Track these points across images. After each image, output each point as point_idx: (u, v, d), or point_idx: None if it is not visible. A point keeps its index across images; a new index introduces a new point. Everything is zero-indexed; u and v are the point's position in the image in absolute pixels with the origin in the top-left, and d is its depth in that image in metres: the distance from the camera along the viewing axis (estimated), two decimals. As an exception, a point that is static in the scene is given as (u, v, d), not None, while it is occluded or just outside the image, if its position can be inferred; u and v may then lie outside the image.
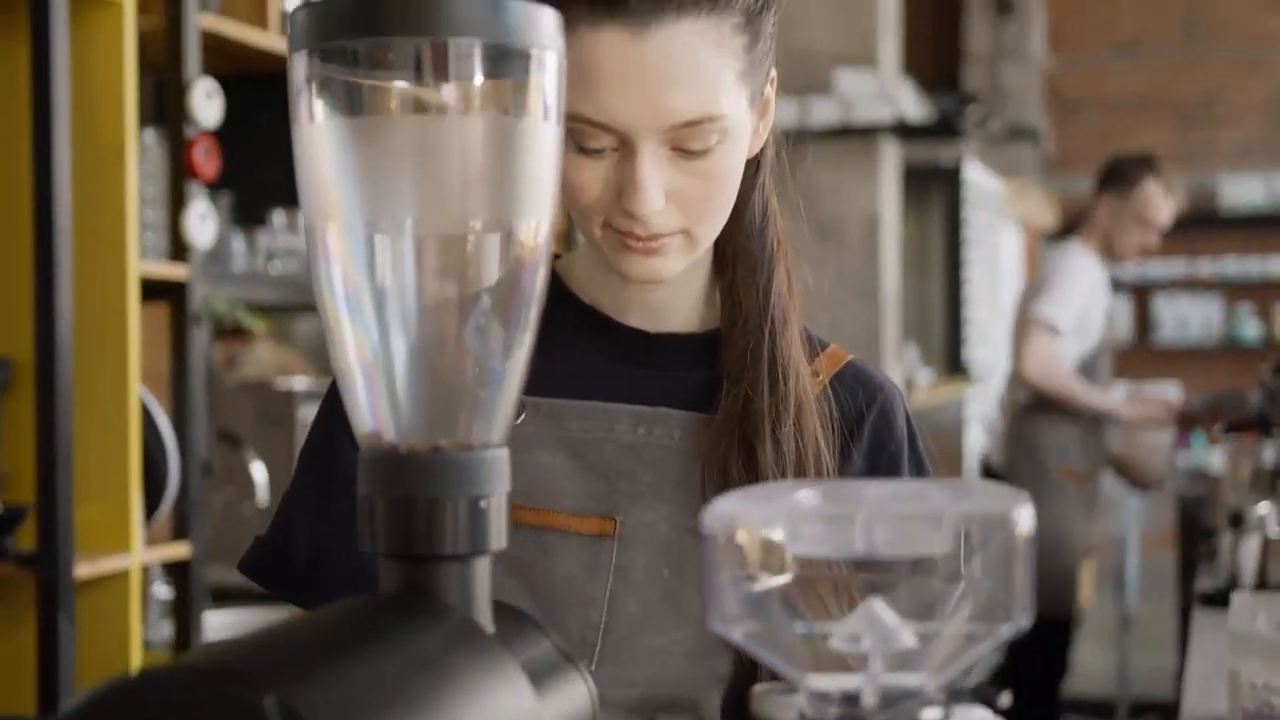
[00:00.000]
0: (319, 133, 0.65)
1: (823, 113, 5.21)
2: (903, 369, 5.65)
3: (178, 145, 2.70)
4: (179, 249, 2.70)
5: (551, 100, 0.66)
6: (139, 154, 2.61)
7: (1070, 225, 5.59)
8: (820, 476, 1.13)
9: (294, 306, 3.49)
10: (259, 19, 2.95)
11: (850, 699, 0.60)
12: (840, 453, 1.17)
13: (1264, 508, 2.63)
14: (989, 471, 5.42)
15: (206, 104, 2.70)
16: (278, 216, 3.16)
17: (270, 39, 2.93)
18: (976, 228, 7.04)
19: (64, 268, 2.37)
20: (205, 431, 2.78)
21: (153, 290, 2.64)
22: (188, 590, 2.72)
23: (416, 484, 0.64)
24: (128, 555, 2.52)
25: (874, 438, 1.19)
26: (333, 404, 1.18)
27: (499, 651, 0.63)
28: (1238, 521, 2.87)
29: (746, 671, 1.11)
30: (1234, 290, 9.14)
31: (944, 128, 5.87)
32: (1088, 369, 4.22)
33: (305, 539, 1.17)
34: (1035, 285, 4.33)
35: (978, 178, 7.02)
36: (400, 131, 0.66)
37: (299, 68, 0.64)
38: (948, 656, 0.60)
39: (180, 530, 2.71)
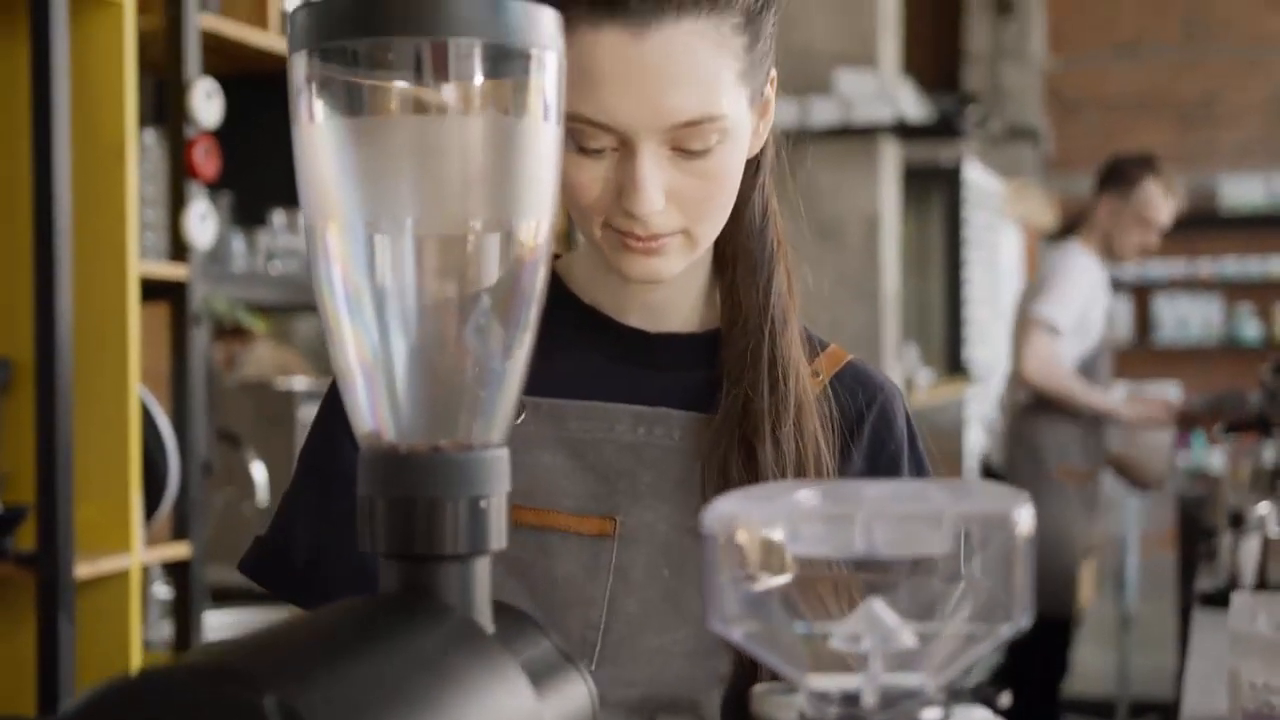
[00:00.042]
0: (319, 133, 0.65)
1: (823, 113, 5.21)
2: (903, 369, 5.65)
3: (178, 145, 2.70)
4: (179, 249, 2.70)
5: (551, 100, 0.66)
6: (139, 154, 2.61)
7: (1070, 225, 5.60)
8: (820, 476, 1.13)
9: (294, 306, 3.49)
10: (259, 19, 2.95)
11: (850, 699, 0.60)
12: (840, 453, 1.17)
13: (1264, 508, 2.63)
14: (989, 471, 5.43)
15: (206, 104, 2.70)
16: (278, 216, 3.16)
17: (270, 39, 2.93)
18: (976, 228, 7.04)
19: (64, 268, 2.37)
20: (205, 431, 2.78)
21: (153, 290, 2.64)
22: (188, 590, 2.72)
23: (416, 484, 0.64)
24: (128, 555, 2.52)
25: (874, 438, 1.19)
26: (333, 404, 1.18)
27: (499, 651, 0.63)
28: (1238, 521, 2.87)
29: (746, 671, 1.11)
30: (1234, 290, 9.15)
31: (944, 128, 5.87)
32: (1087, 369, 4.22)
33: (305, 539, 1.17)
34: (1035, 285, 4.34)
35: (978, 178, 7.03)
36: (400, 131, 0.66)
37: (299, 68, 0.64)
38: (948, 656, 0.60)
39: (180, 530, 2.71)
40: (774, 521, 0.60)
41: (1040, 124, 9.02)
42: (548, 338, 0.72)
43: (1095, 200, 4.34)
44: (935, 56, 8.72)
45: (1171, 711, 2.09)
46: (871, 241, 5.36)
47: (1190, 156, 9.14)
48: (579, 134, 1.04)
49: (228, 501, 3.03)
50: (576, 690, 0.68)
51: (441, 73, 0.63)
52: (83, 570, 2.41)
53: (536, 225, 0.66)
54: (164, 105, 2.79)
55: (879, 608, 0.59)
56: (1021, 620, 0.59)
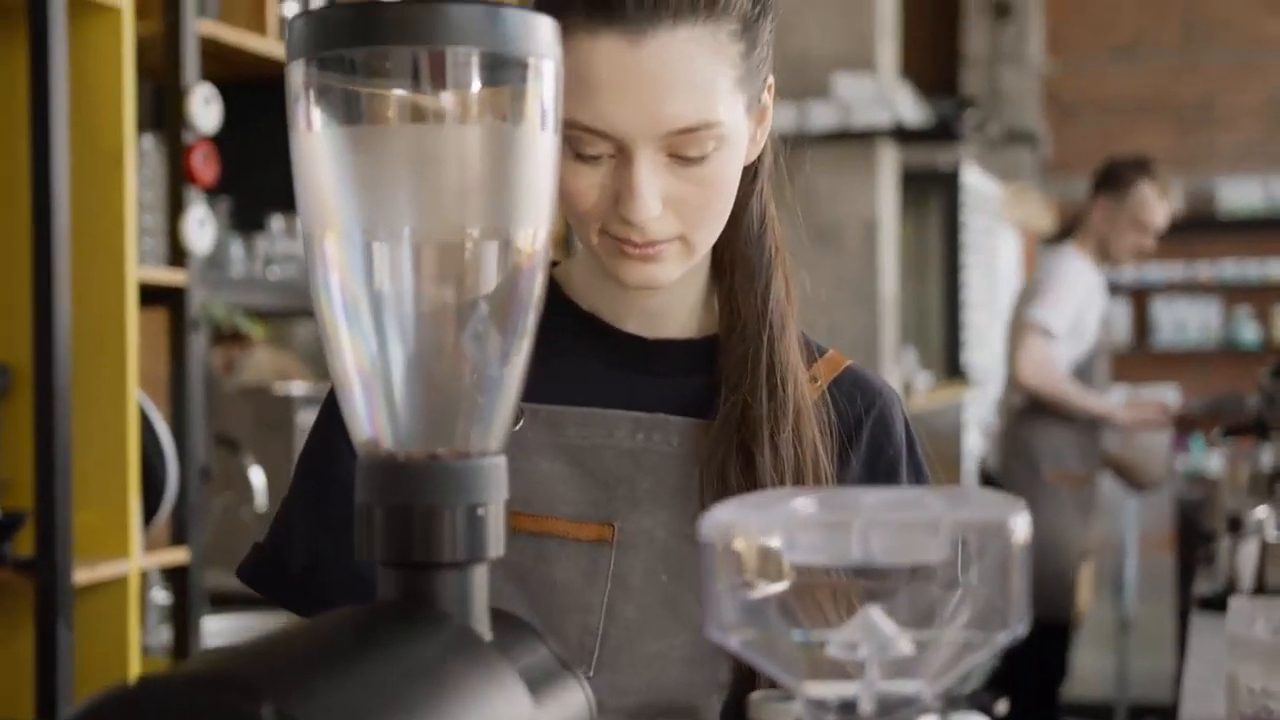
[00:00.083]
0: (317, 141, 0.65)
1: (821, 117, 5.21)
2: (901, 373, 5.66)
3: (176, 151, 2.70)
4: (177, 254, 2.70)
5: (549, 108, 0.66)
6: (137, 159, 2.61)
7: (1068, 229, 5.61)
8: (819, 482, 1.13)
9: (292, 311, 3.49)
10: (257, 24, 2.96)
11: (848, 706, 0.60)
12: (838, 458, 1.17)
13: (1262, 512, 2.63)
14: (986, 476, 5.43)
15: (205, 109, 2.70)
16: (276, 222, 3.16)
17: (268, 44, 2.93)
18: (975, 231, 7.04)
19: (62, 273, 2.37)
20: (204, 437, 2.78)
21: (151, 296, 2.64)
22: (186, 595, 2.72)
23: (414, 492, 0.64)
24: (126, 561, 2.52)
25: (872, 443, 1.19)
26: (331, 410, 1.18)
27: (496, 659, 0.63)
28: (1236, 525, 2.87)
29: (746, 678, 1.11)
30: (1232, 293, 9.15)
31: (942, 132, 5.87)
32: (1082, 372, 4.23)
33: (302, 546, 1.17)
34: (1029, 289, 4.34)
35: (976, 181, 7.03)
36: (398, 140, 0.66)
37: (297, 76, 0.64)
38: (945, 664, 0.60)
39: (179, 535, 2.71)
40: (771, 529, 0.60)
41: (1038, 127, 9.02)
42: (546, 344, 0.73)
43: (1090, 203, 4.34)
44: (933, 60, 8.72)
45: (1170, 715, 2.09)
46: (870, 245, 5.36)
47: (1189, 159, 9.14)
48: (576, 140, 1.04)
49: (226, 507, 3.03)
50: (574, 698, 0.68)
51: (439, 81, 0.63)
52: (81, 576, 2.41)
53: (534, 233, 0.66)
54: (162, 110, 2.79)
55: (876, 615, 0.60)
56: (1018, 628, 0.59)
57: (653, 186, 1.05)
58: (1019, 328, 4.21)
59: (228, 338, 3.37)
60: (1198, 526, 4.04)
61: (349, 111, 0.65)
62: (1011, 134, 8.70)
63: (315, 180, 0.66)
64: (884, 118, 5.29)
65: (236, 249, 3.03)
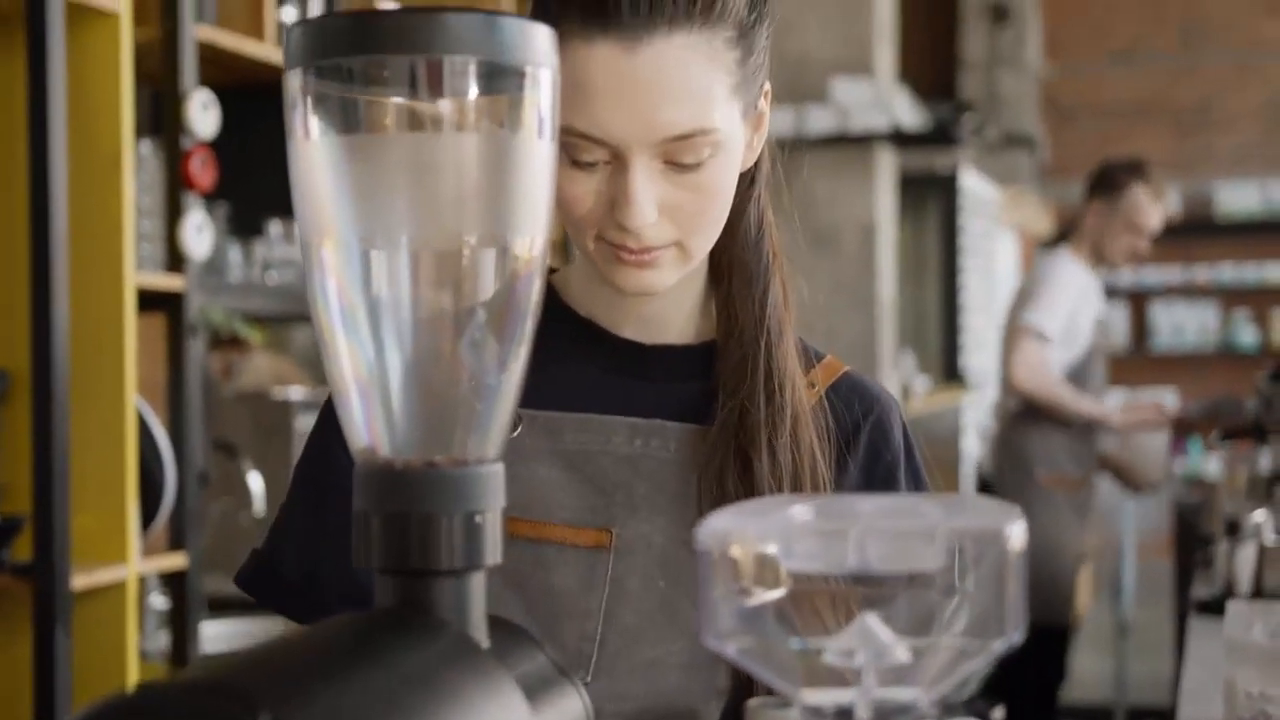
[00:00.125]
0: (314, 149, 0.65)
1: (819, 121, 5.22)
2: (899, 377, 5.66)
3: (174, 156, 2.70)
4: (175, 260, 2.70)
5: (546, 117, 0.66)
6: (135, 165, 2.61)
7: (1065, 232, 5.62)
8: (816, 488, 1.13)
9: (291, 316, 3.49)
10: (255, 30, 2.96)
11: (844, 713, 0.60)
12: (836, 464, 1.17)
13: (1260, 515, 2.63)
14: (984, 480, 5.43)
15: (203, 115, 2.70)
16: (274, 227, 3.16)
17: (266, 50, 2.93)
18: (973, 235, 7.05)
19: (60, 278, 2.37)
20: (202, 442, 2.78)
21: (149, 301, 2.64)
22: (184, 600, 2.72)
23: (412, 499, 0.64)
24: (124, 566, 2.52)
25: (870, 449, 1.19)
26: (329, 417, 1.18)
27: (494, 666, 0.63)
28: (1234, 529, 2.87)
29: (744, 684, 1.11)
30: (1230, 297, 9.16)
31: (940, 135, 5.88)
32: (1077, 376, 4.23)
33: (300, 553, 1.17)
34: (1023, 293, 4.34)
35: (974, 185, 7.03)
36: (395, 148, 0.66)
37: (295, 85, 0.64)
38: (941, 671, 0.60)
39: (177, 541, 2.71)
40: (768, 537, 0.60)
41: (1036, 131, 9.03)
42: (544, 351, 0.73)
43: (1085, 207, 4.35)
44: (931, 64, 8.73)
45: (1169, 719, 2.09)
46: (868, 249, 5.36)
47: (1186, 163, 9.15)
48: (572, 147, 1.04)
49: (224, 512, 3.03)
50: (571, 705, 0.68)
51: (436, 90, 0.63)
52: (79, 581, 2.41)
53: (531, 240, 0.67)
54: (160, 116, 2.79)
55: (873, 623, 0.60)
56: (1014, 635, 0.59)
57: (648, 193, 1.05)
58: (1013, 332, 4.22)
59: (226, 343, 3.37)
60: (1196, 530, 4.04)
61: (347, 120, 0.65)
62: (1009, 138, 8.71)
63: (313, 188, 0.66)
64: (882, 121, 5.29)
65: (234, 254, 3.03)
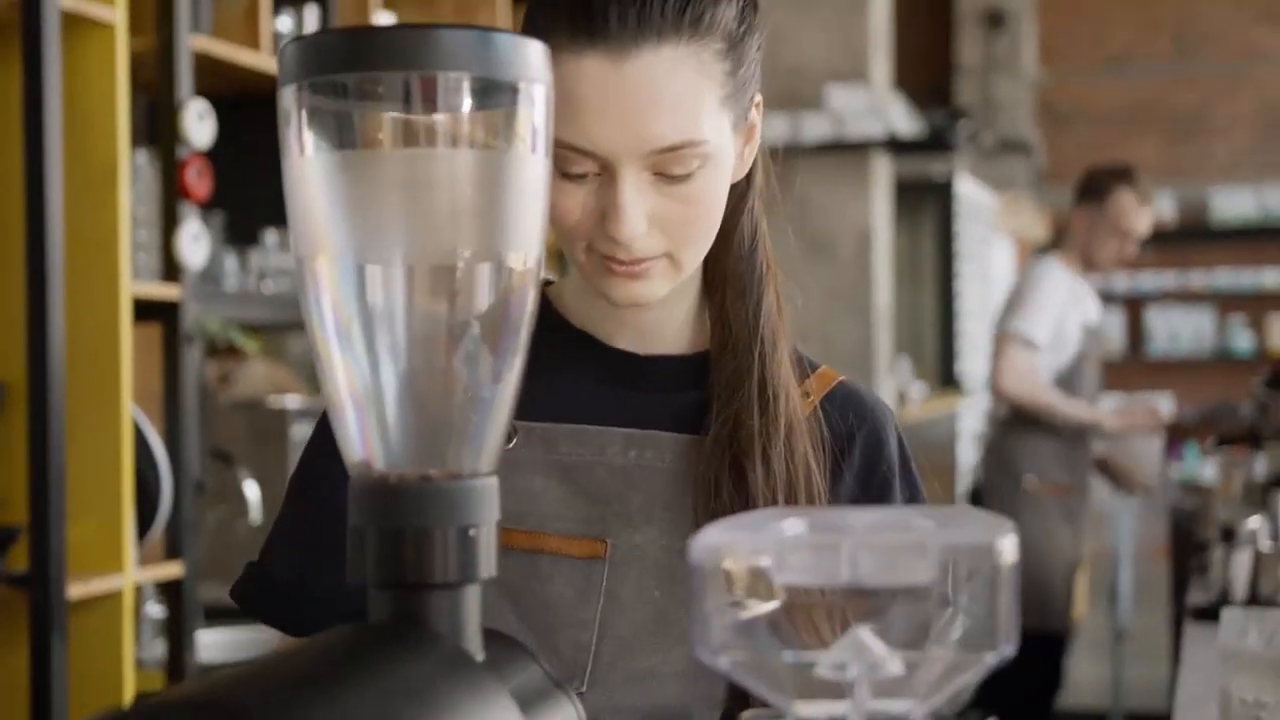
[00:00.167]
0: (309, 166, 0.65)
1: (814, 128, 5.23)
2: (895, 383, 5.66)
3: (170, 166, 2.70)
4: (171, 269, 2.70)
5: (540, 132, 0.66)
6: (131, 175, 2.62)
7: (1059, 238, 5.63)
8: (811, 499, 1.14)
9: (287, 325, 3.50)
10: (251, 40, 2.96)
11: (837, 726, 0.61)
12: (831, 474, 1.17)
13: (1255, 521, 2.64)
14: (976, 486, 5.44)
15: (198, 125, 2.70)
16: (270, 236, 3.16)
17: (262, 59, 2.94)
18: (968, 241, 7.06)
19: (56, 288, 2.37)
20: (198, 451, 2.78)
21: (145, 310, 2.65)
22: (180, 609, 2.72)
23: (406, 513, 0.64)
24: (120, 575, 2.52)
25: (865, 459, 1.20)
26: (324, 431, 1.18)
27: (488, 679, 0.63)
28: (1229, 535, 2.88)
29: (740, 694, 1.11)
30: (1226, 302, 9.18)
31: (935, 142, 5.89)
32: (1066, 381, 4.24)
33: (292, 567, 1.18)
34: (1011, 301, 4.35)
35: (969, 191, 7.05)
36: (390, 164, 0.66)
37: (289, 101, 0.65)
38: (934, 683, 0.61)
39: (173, 549, 2.71)
40: (761, 551, 0.60)
41: (1032, 137, 9.04)
42: (539, 362, 0.73)
43: (1073, 213, 4.36)
44: (927, 71, 8.75)
45: (1165, 725, 2.10)
46: (864, 256, 5.37)
47: (1181, 169, 9.17)
48: (561, 159, 1.05)
49: (220, 520, 3.03)
50: (566, 716, 0.68)
51: (431, 106, 0.64)
52: (75, 590, 2.41)
53: (525, 254, 0.67)
54: (156, 126, 2.79)
55: (866, 635, 0.60)
56: (1006, 648, 0.60)
57: (638, 205, 1.05)
58: (1000, 339, 4.23)
59: (222, 352, 3.37)
60: (1192, 536, 4.04)
61: (341, 136, 0.65)
62: (1005, 144, 8.73)
63: (308, 204, 0.66)
64: (877, 129, 5.30)
65: (230, 263, 3.03)
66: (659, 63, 1.03)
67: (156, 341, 2.73)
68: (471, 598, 0.65)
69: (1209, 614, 2.47)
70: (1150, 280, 9.11)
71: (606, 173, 1.05)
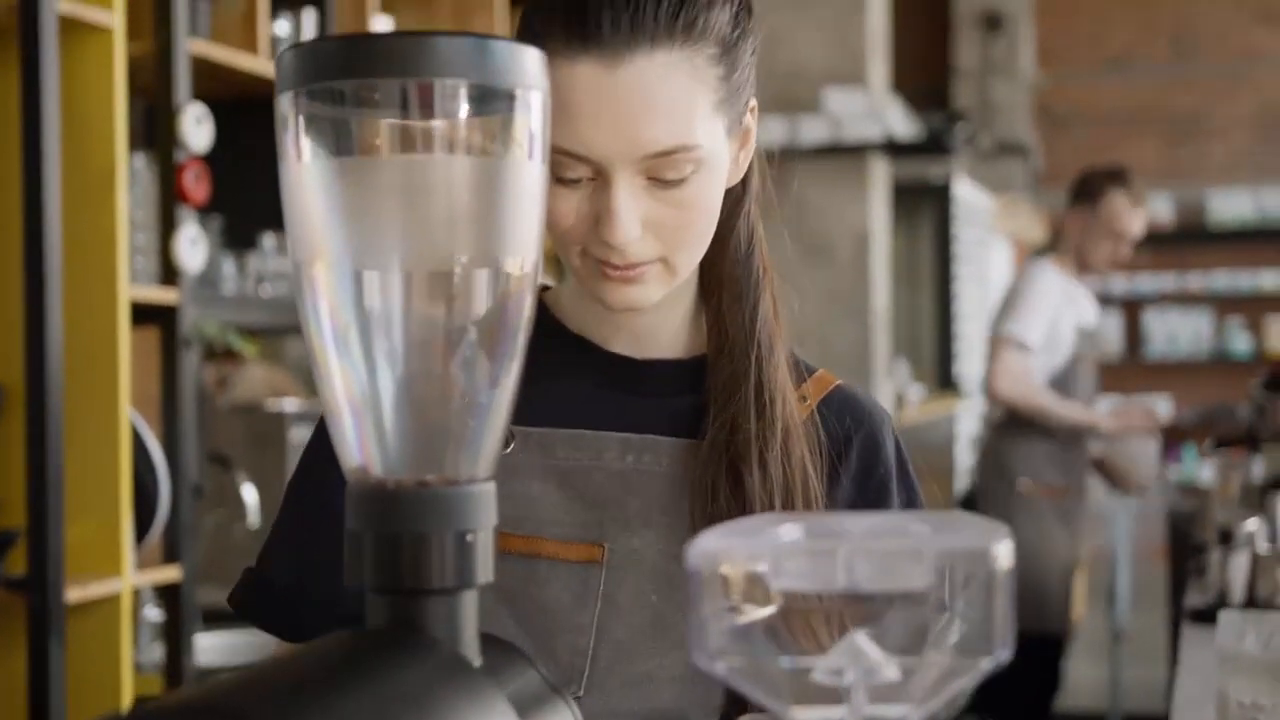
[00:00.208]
0: (306, 172, 0.66)
1: (812, 131, 5.23)
2: (893, 385, 5.66)
3: (168, 170, 2.71)
4: (169, 273, 2.70)
5: (537, 138, 0.66)
6: (129, 179, 2.62)
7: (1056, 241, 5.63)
8: (808, 503, 1.14)
9: (285, 329, 3.50)
10: (248, 44, 2.96)
11: (834, 731, 0.61)
12: (828, 478, 1.17)
13: (1252, 524, 2.64)
14: (971, 489, 5.44)
15: (196, 129, 2.71)
16: (268, 239, 3.16)
17: (260, 63, 2.94)
18: (967, 243, 7.06)
19: (54, 292, 2.37)
20: (196, 454, 2.78)
21: (143, 314, 2.65)
22: (179, 613, 2.72)
23: (404, 519, 0.64)
24: (119, 579, 2.52)
25: (862, 463, 1.20)
26: (321, 436, 1.18)
27: (486, 685, 0.63)
28: (1227, 537, 2.88)
29: (738, 699, 1.12)
30: (1224, 304, 9.18)
31: (933, 145, 5.89)
32: (1060, 383, 4.24)
33: (290, 573, 1.18)
34: (1004, 304, 4.36)
35: (967, 194, 7.05)
36: (387, 170, 0.66)
37: (287, 108, 0.65)
38: (930, 688, 0.61)
39: (171, 553, 2.71)
40: (757, 557, 0.61)
41: (1030, 139, 9.05)
42: (536, 367, 0.73)
43: (1067, 215, 4.37)
44: (924, 73, 8.75)
45: (1162, 728, 2.10)
46: (862, 258, 5.37)
47: (1179, 171, 9.17)
48: (556, 164, 1.05)
49: (219, 524, 3.03)
50: (564, 722, 0.68)
51: (427, 113, 0.64)
52: (73, 594, 2.41)
53: (522, 260, 0.67)
54: (154, 130, 2.80)
55: (862, 641, 0.60)
56: (1002, 653, 0.60)
57: (631, 210, 1.05)
58: (994, 342, 4.24)
59: (220, 355, 3.37)
60: (1189, 537, 4.05)
61: (338, 143, 0.65)
62: (1003, 146, 8.73)
63: (305, 210, 0.66)
64: (875, 131, 5.31)
65: (228, 267, 3.03)
66: (652, 68, 1.04)
67: (154, 345, 2.73)
68: (469, 603, 0.66)
69: (1207, 616, 2.48)
70: (1148, 282, 9.12)
71: (600, 177, 1.06)
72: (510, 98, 0.65)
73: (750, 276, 1.18)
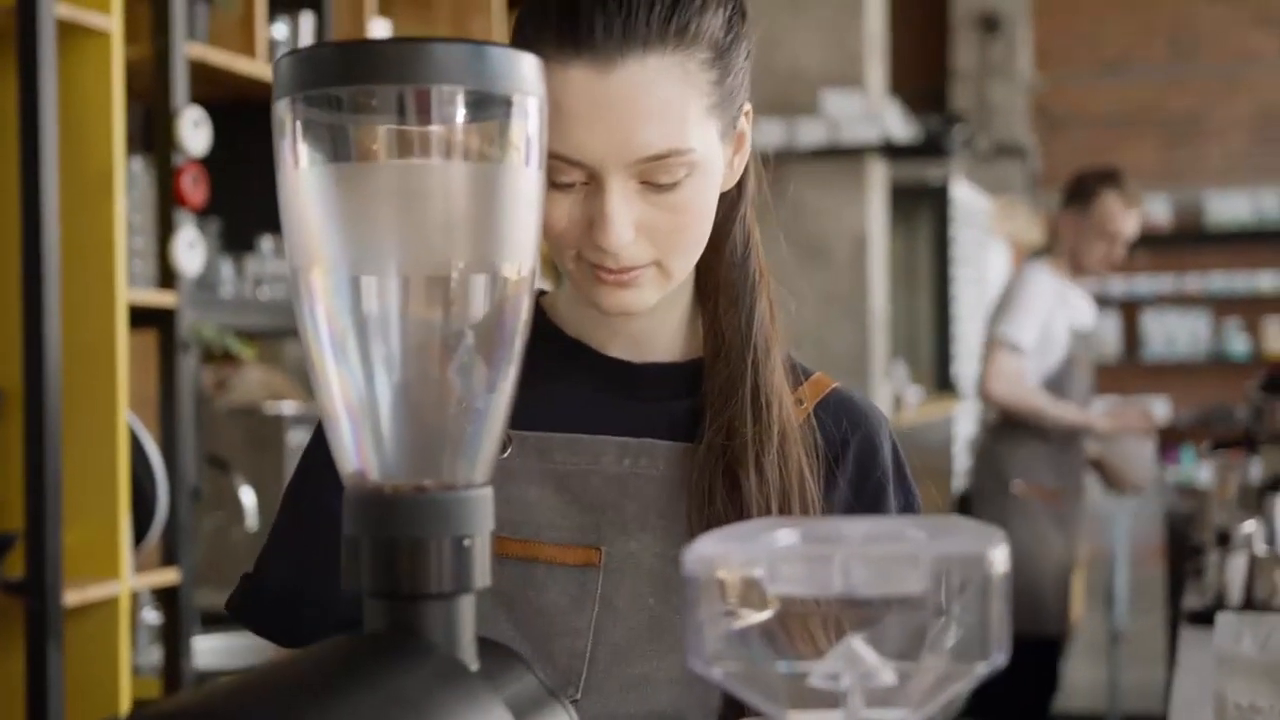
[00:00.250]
0: (304, 178, 0.66)
1: (810, 133, 5.23)
2: (891, 387, 5.66)
3: (166, 173, 2.71)
4: (167, 276, 2.70)
5: (533, 144, 0.67)
6: (127, 182, 2.62)
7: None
8: (805, 506, 1.14)
9: (283, 332, 3.50)
10: (246, 47, 2.96)
11: (831, 735, 0.61)
12: (825, 481, 1.17)
13: (1250, 525, 2.64)
14: (966, 491, 5.44)
15: (194, 132, 2.71)
16: (266, 242, 3.16)
17: (257, 67, 2.94)
18: (964, 245, 7.07)
19: (52, 296, 2.37)
20: (194, 457, 2.78)
21: (141, 317, 2.65)
22: (177, 615, 2.72)
23: (401, 524, 0.64)
24: (117, 582, 2.52)
25: (858, 466, 1.20)
26: (319, 441, 1.18)
27: (483, 689, 0.64)
28: (1224, 539, 2.88)
29: (736, 702, 1.12)
30: (1221, 305, 9.18)
31: (931, 147, 5.89)
32: (1055, 384, 4.24)
33: (287, 577, 1.18)
34: (997, 306, 4.36)
35: (965, 196, 7.05)
36: (384, 176, 0.67)
37: (284, 114, 0.65)
38: (927, 692, 0.61)
39: (169, 556, 2.71)
40: (754, 561, 0.61)
41: (1027, 141, 9.05)
42: (533, 371, 0.73)
43: (1060, 217, 4.37)
44: (922, 75, 8.75)
45: (1160, 729, 2.10)
46: (859, 260, 5.37)
47: (1177, 173, 9.18)
48: (548, 168, 1.05)
49: (217, 527, 3.03)
50: (561, 726, 0.68)
51: (424, 119, 0.64)
52: (72, 597, 2.41)
53: (519, 265, 0.67)
54: (152, 133, 2.80)
55: (859, 645, 0.60)
56: (998, 657, 0.60)
57: (625, 214, 1.05)
58: (987, 345, 4.24)
59: (218, 358, 3.37)
60: (1187, 539, 4.05)
61: (335, 149, 0.66)
62: (1000, 148, 8.73)
63: (302, 216, 0.66)
64: (873, 134, 5.31)
65: (226, 270, 3.03)
66: (644, 72, 1.04)
67: (152, 348, 2.73)
68: (466, 607, 0.66)
69: (1204, 618, 2.48)
70: (1146, 284, 9.12)
71: (594, 182, 1.06)
72: (507, 103, 0.65)
73: (746, 280, 1.18)
